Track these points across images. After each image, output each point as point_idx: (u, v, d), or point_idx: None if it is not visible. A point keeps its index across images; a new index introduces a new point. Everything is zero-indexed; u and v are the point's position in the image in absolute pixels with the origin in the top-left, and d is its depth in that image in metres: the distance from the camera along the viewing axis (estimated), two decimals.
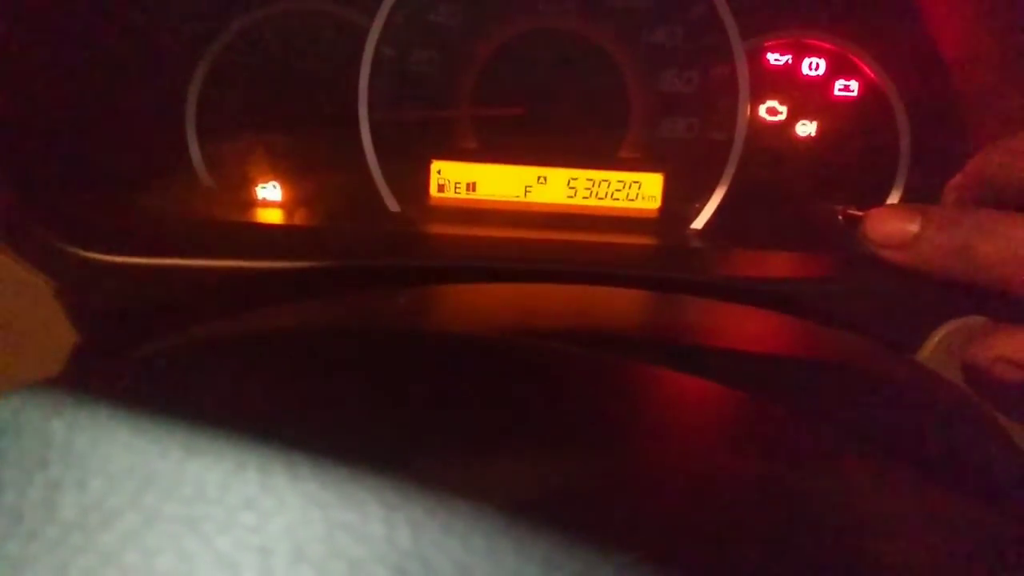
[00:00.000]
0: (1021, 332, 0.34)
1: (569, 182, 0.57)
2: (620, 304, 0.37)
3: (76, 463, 0.13)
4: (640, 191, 0.58)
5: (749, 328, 0.35)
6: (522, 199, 0.58)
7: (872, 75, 0.58)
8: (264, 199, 0.58)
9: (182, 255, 0.41)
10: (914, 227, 0.35)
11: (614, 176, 0.57)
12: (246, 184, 0.58)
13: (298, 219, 0.57)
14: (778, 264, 0.49)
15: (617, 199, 0.58)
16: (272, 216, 0.57)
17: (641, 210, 0.58)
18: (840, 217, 0.46)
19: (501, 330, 0.31)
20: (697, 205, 0.57)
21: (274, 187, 0.58)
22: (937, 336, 0.41)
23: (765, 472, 0.20)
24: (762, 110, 0.58)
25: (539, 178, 0.57)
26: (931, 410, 0.30)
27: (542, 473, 0.15)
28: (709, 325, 0.35)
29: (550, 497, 0.14)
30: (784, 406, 0.25)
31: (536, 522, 0.13)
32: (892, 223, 0.36)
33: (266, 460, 0.13)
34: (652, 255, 0.53)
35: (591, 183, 0.57)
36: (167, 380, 0.17)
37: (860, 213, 0.40)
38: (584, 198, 0.57)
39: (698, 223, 0.57)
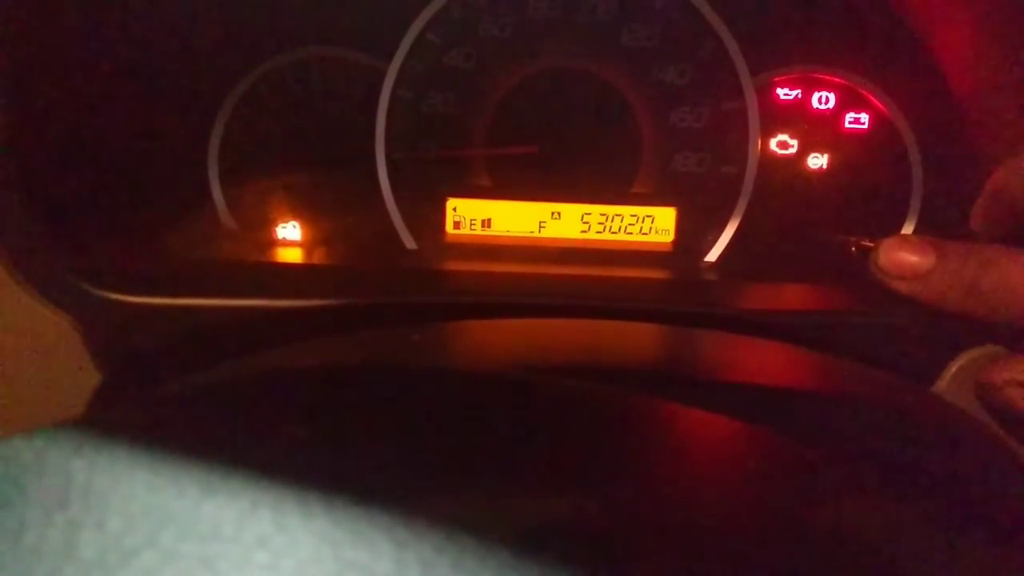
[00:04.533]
0: None
1: (583, 217, 0.58)
2: (635, 339, 0.38)
3: (96, 503, 0.14)
4: (653, 225, 0.58)
5: (762, 361, 0.35)
6: (537, 235, 0.58)
7: (882, 107, 0.58)
8: (284, 239, 0.59)
9: (204, 295, 0.41)
10: (924, 260, 0.36)
11: (627, 211, 0.58)
12: (266, 225, 0.59)
13: (317, 258, 0.58)
14: (792, 296, 0.49)
15: (631, 233, 0.58)
16: (292, 256, 0.58)
17: (655, 244, 0.58)
18: (854, 249, 0.46)
19: (517, 366, 0.31)
20: (710, 238, 0.57)
21: (294, 227, 0.59)
22: (955, 366, 0.40)
23: (774, 506, 0.20)
24: (773, 144, 0.58)
25: (553, 214, 0.58)
26: (946, 441, 0.29)
27: (552, 510, 0.15)
28: (723, 358, 0.35)
29: (559, 534, 0.15)
30: (796, 440, 0.24)
31: (545, 559, 0.13)
32: (903, 255, 0.37)
33: (280, 499, 0.13)
34: (666, 289, 0.54)
35: (605, 218, 0.58)
36: (184, 420, 0.18)
37: (872, 244, 0.40)
38: (598, 233, 0.58)
39: (712, 256, 0.57)
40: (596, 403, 0.23)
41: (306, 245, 0.59)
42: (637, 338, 0.37)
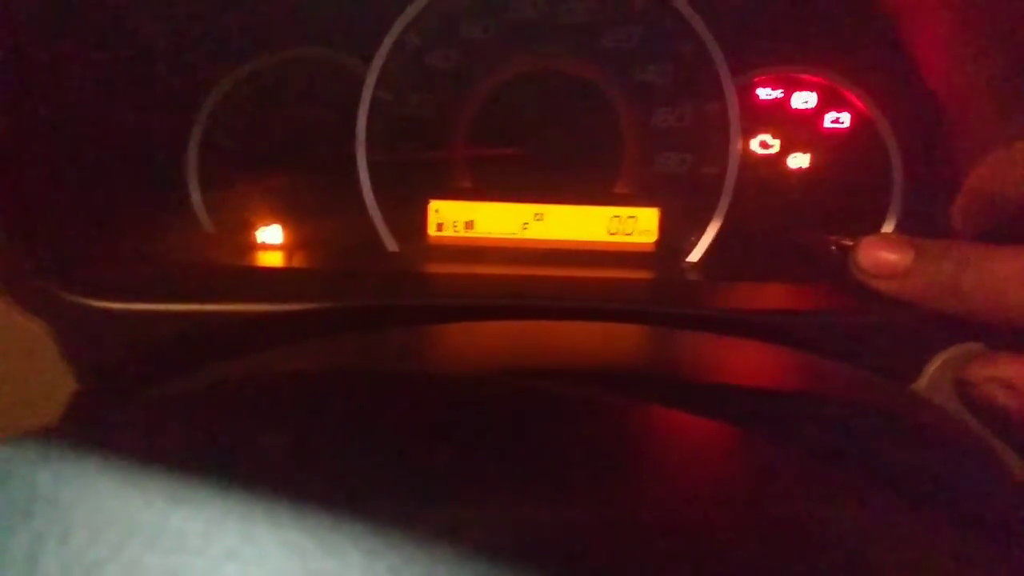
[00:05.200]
0: (1014, 356, 0.34)
1: (566, 218, 0.58)
2: (618, 340, 0.38)
3: (60, 515, 0.14)
4: (636, 226, 0.58)
5: (742, 361, 0.35)
6: (520, 236, 0.58)
7: (863, 107, 0.58)
8: (264, 242, 0.59)
9: (182, 300, 0.41)
10: (903, 259, 0.36)
11: (610, 212, 0.58)
12: (247, 228, 0.58)
13: (298, 262, 0.58)
14: (774, 296, 0.49)
15: (614, 234, 0.58)
16: (273, 259, 0.58)
17: (638, 244, 0.58)
18: (833, 247, 0.47)
19: (496, 369, 0.31)
20: (693, 238, 0.57)
21: (274, 230, 0.58)
22: (935, 364, 0.41)
23: (759, 509, 0.20)
24: (754, 144, 0.59)
25: (536, 215, 0.58)
26: (925, 440, 0.30)
27: (527, 518, 0.15)
28: (703, 359, 0.35)
29: (535, 543, 0.14)
30: (777, 441, 0.24)
31: (520, 569, 0.13)
32: (882, 254, 0.37)
33: (248, 509, 0.13)
34: (650, 289, 0.54)
35: (588, 219, 0.58)
36: (154, 429, 0.17)
37: (852, 243, 0.40)
38: (581, 233, 0.58)
39: (694, 256, 0.57)
40: (573, 407, 0.23)
41: (287, 248, 0.59)
42: (617, 339, 0.37)
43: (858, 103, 0.58)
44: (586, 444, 0.21)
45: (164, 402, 0.20)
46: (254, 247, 0.58)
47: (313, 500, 0.13)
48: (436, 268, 0.57)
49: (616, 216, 0.58)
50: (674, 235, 0.58)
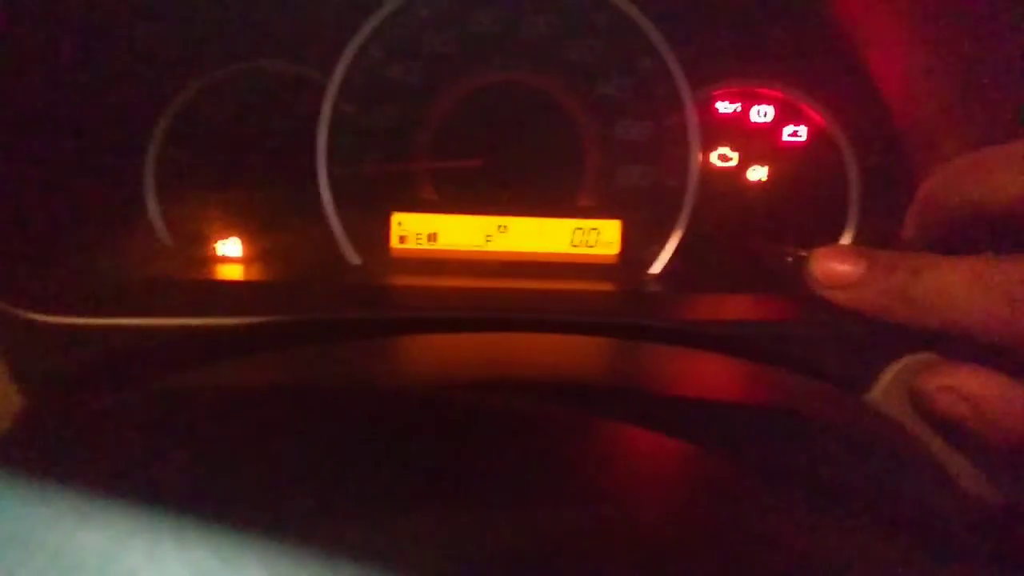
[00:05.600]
0: (966, 366, 0.34)
1: (529, 230, 0.58)
2: (572, 352, 0.37)
3: None
4: (599, 237, 0.58)
5: (695, 374, 0.35)
6: (483, 248, 0.58)
7: (820, 120, 0.59)
8: (224, 255, 0.58)
9: (136, 314, 0.40)
10: (855, 269, 0.36)
11: (573, 224, 0.58)
12: (205, 241, 0.58)
13: (258, 275, 0.57)
14: (734, 307, 0.49)
15: (577, 246, 0.58)
16: (232, 272, 0.57)
17: (601, 256, 0.58)
18: (790, 259, 0.47)
19: (455, 382, 0.31)
20: (654, 250, 0.58)
21: (234, 243, 0.58)
22: (889, 373, 0.41)
23: (708, 524, 0.20)
24: (714, 157, 0.59)
25: (499, 227, 0.58)
26: (871, 450, 0.30)
27: (441, 538, 0.15)
28: (657, 371, 0.35)
29: (454, 563, 0.14)
30: (726, 453, 0.25)
31: None
32: (835, 264, 0.37)
33: (156, 528, 0.13)
34: (612, 301, 0.54)
35: (551, 231, 0.58)
36: (66, 446, 0.17)
37: (807, 254, 0.41)
38: (544, 245, 0.58)
39: (656, 268, 0.57)
40: (510, 420, 0.22)
41: (247, 261, 0.58)
42: (571, 352, 0.37)
43: (815, 117, 0.59)
44: (530, 459, 0.21)
45: (77, 417, 0.20)
46: (213, 260, 0.58)
47: (223, 519, 0.13)
48: (399, 281, 0.57)
49: (579, 228, 0.58)
50: (636, 247, 0.58)
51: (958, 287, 0.32)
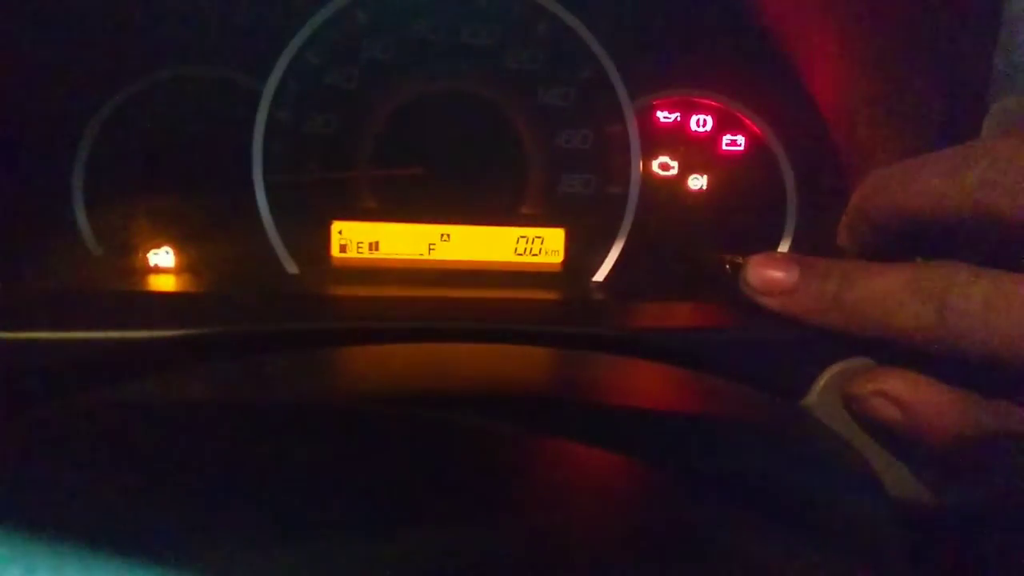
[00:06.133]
0: (897, 371, 0.35)
1: (472, 239, 0.57)
2: (510, 361, 0.37)
3: None
4: (543, 246, 0.58)
5: (630, 382, 0.35)
6: (426, 256, 0.57)
7: (757, 130, 0.60)
8: (156, 265, 0.56)
9: (64, 327, 0.38)
10: (789, 275, 0.37)
11: (517, 232, 0.58)
12: (137, 251, 0.56)
13: (192, 285, 0.55)
14: (674, 315, 0.50)
15: (521, 254, 0.58)
16: (165, 283, 0.55)
17: (545, 264, 0.58)
18: (727, 266, 0.48)
19: (394, 394, 0.30)
20: (598, 258, 0.58)
21: (167, 253, 0.56)
22: (822, 380, 0.42)
23: (649, 531, 0.20)
24: (655, 165, 0.60)
25: (443, 235, 0.57)
26: (803, 458, 0.30)
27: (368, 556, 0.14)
28: (592, 381, 0.35)
29: None
30: (664, 465, 0.24)
31: None
32: (769, 271, 0.38)
33: (60, 556, 0.12)
34: (556, 309, 0.54)
35: (494, 240, 0.58)
36: None
37: (744, 262, 0.41)
38: (488, 254, 0.58)
39: (599, 276, 0.58)
40: (447, 435, 0.22)
41: (179, 272, 0.56)
42: (509, 361, 0.36)
43: (752, 126, 0.60)
44: (467, 475, 0.21)
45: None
46: (145, 271, 0.56)
47: (136, 547, 0.12)
48: (339, 290, 0.55)
49: (523, 236, 0.58)
50: (580, 255, 0.58)
51: (889, 293, 0.32)
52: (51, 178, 0.55)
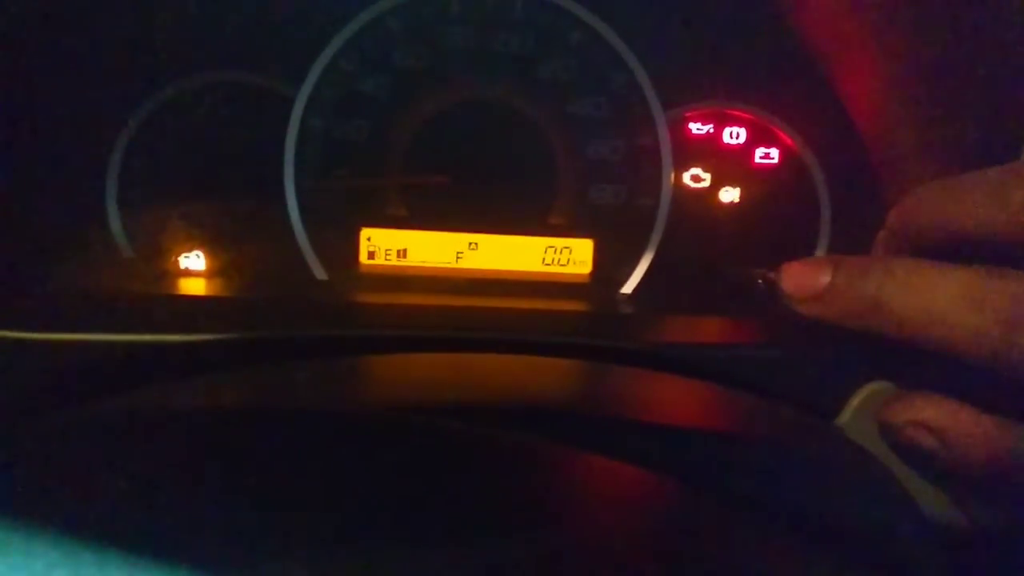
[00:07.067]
0: (934, 397, 0.34)
1: (500, 248, 0.57)
2: (540, 374, 0.37)
3: None
4: (571, 256, 0.58)
5: (663, 398, 0.35)
6: (453, 265, 0.57)
7: (791, 143, 0.60)
8: (187, 269, 0.56)
9: (96, 330, 0.39)
10: (826, 278, 0.35)
11: (545, 242, 0.57)
12: (168, 254, 0.56)
13: (222, 289, 0.56)
14: (704, 329, 0.49)
15: (548, 264, 0.58)
16: (195, 287, 0.56)
17: (572, 275, 0.58)
18: (760, 281, 0.47)
19: (421, 405, 0.30)
20: (626, 270, 0.57)
21: (197, 256, 0.56)
22: (856, 399, 0.41)
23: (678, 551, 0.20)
24: (686, 177, 0.59)
25: (470, 244, 0.57)
26: (838, 477, 0.30)
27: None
28: (625, 395, 0.34)
29: None
30: (694, 482, 0.24)
31: None
32: (805, 275, 0.36)
33: (77, 559, 0.12)
34: (583, 321, 0.53)
35: (522, 249, 0.57)
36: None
37: (777, 275, 0.41)
38: (516, 264, 0.57)
39: (627, 288, 0.57)
40: (472, 447, 0.22)
41: (210, 275, 0.57)
42: (539, 374, 0.36)
43: (787, 139, 0.60)
44: (496, 488, 0.20)
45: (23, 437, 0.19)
46: (176, 274, 0.56)
47: (164, 551, 0.12)
48: (367, 297, 0.56)
49: (551, 246, 0.58)
50: (608, 266, 0.58)
51: (939, 300, 0.29)
52: (86, 181, 0.56)
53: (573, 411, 0.31)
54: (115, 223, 0.56)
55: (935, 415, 0.32)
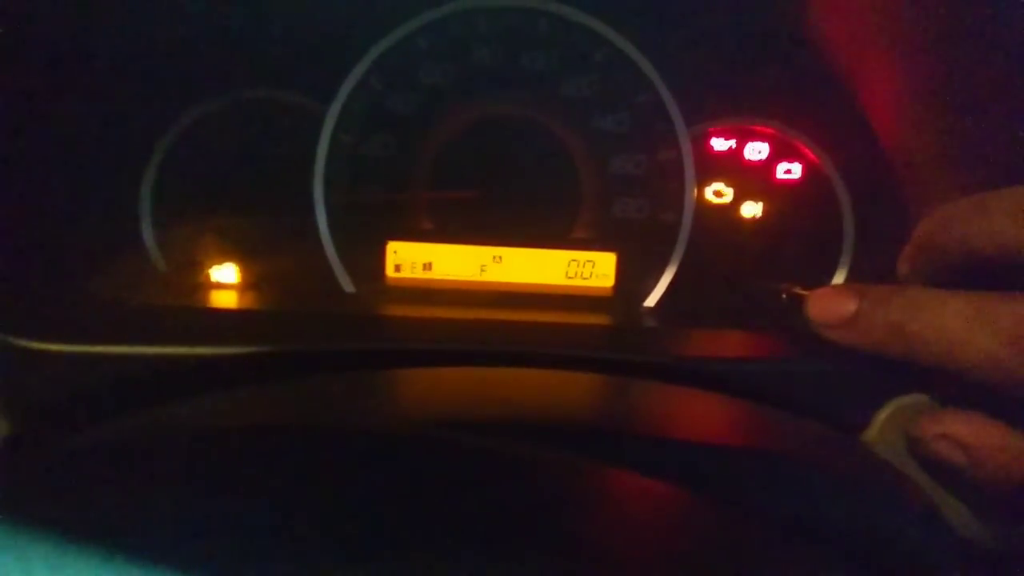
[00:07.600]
0: (963, 413, 0.34)
1: (524, 261, 0.58)
2: (566, 389, 0.37)
3: None
4: (594, 270, 0.58)
5: (689, 413, 0.35)
6: (478, 278, 0.58)
7: (814, 158, 0.60)
8: (218, 281, 0.58)
9: (127, 342, 0.40)
10: (852, 306, 0.36)
11: (568, 256, 0.58)
12: (200, 267, 0.57)
13: (253, 302, 0.57)
14: (727, 344, 0.49)
15: (572, 278, 0.58)
16: (226, 299, 0.57)
17: (595, 288, 0.58)
18: (784, 296, 0.47)
19: (445, 419, 0.30)
20: (649, 284, 0.58)
21: (229, 269, 0.57)
22: (883, 414, 0.41)
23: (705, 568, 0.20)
24: (708, 192, 0.60)
25: (495, 257, 0.58)
26: (865, 493, 0.30)
27: None
28: (648, 411, 0.35)
29: None
30: (725, 500, 0.24)
31: None
32: (832, 303, 0.37)
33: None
34: (607, 334, 0.54)
35: (546, 262, 0.58)
36: (49, 487, 0.16)
37: (803, 292, 0.41)
38: (540, 277, 0.58)
39: (650, 301, 0.57)
40: (499, 463, 0.22)
41: (241, 288, 0.58)
42: (565, 388, 0.36)
43: (809, 154, 0.60)
44: (524, 504, 0.21)
45: (56, 460, 0.19)
46: (208, 286, 0.57)
47: (195, 564, 0.13)
48: (393, 310, 0.56)
49: (574, 260, 0.58)
50: (631, 280, 0.58)
51: (954, 325, 0.31)
52: (120, 195, 0.57)
53: (598, 428, 0.31)
54: (149, 237, 0.57)
55: (965, 430, 0.32)
